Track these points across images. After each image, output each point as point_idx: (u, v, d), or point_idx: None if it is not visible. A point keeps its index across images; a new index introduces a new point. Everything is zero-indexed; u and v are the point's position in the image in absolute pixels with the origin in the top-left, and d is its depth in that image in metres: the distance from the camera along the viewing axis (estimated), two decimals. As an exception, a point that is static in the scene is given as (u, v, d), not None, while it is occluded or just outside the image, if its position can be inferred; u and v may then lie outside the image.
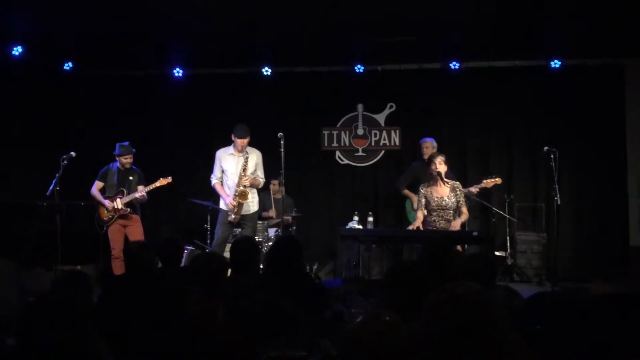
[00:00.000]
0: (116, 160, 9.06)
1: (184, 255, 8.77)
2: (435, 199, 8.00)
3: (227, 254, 7.95)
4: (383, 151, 11.40)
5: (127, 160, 8.99)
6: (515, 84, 10.80)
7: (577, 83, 10.71)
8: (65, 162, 8.51)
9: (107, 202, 8.97)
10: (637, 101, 10.57)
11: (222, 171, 8.81)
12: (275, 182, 10.54)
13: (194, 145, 11.30)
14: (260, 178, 8.84)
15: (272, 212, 10.43)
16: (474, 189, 8.79)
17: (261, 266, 6.78)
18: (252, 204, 8.83)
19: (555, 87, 10.68)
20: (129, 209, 8.97)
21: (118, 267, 8.69)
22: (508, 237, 10.43)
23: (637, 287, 8.61)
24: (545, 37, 9.63)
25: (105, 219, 8.99)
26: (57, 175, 8.38)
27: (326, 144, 11.47)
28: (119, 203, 8.92)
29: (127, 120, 11.18)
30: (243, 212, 8.69)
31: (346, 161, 11.47)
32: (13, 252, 5.31)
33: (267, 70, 11.18)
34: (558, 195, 8.39)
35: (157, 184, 8.95)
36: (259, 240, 9.41)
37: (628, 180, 10.57)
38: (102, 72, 11.41)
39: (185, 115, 11.43)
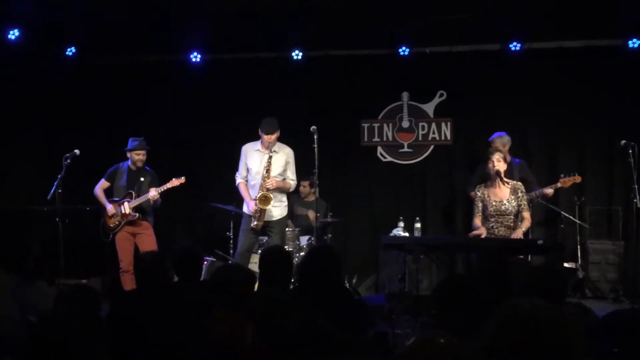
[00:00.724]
0: (127, 159, 9.12)
1: (204, 267, 8.83)
2: (493, 203, 7.97)
3: (252, 266, 8.06)
4: (432, 146, 11.36)
5: (139, 157, 9.04)
6: (586, 67, 10.68)
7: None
8: (69, 161, 8.60)
9: (109, 206, 9.02)
10: None
11: (247, 169, 8.79)
12: (306, 183, 10.56)
13: (213, 142, 11.36)
14: (291, 180, 8.80)
15: (310, 214, 10.38)
16: (548, 190, 8.73)
17: (292, 280, 6.80)
18: (280, 208, 8.79)
19: (634, 71, 10.55)
20: (138, 214, 9.01)
21: (127, 282, 8.76)
22: (579, 246, 10.33)
23: None
24: (622, 12, 9.52)
25: (111, 225, 9.05)
26: (59, 176, 8.49)
27: (366, 139, 11.47)
28: (126, 207, 8.95)
29: (138, 114, 11.26)
30: (268, 218, 8.65)
31: (389, 158, 11.45)
32: (12, 264, 5.37)
33: (297, 54, 11.19)
34: (638, 197, 8.30)
35: (169, 185, 8.99)
36: (289, 250, 9.42)
37: None
38: (108, 59, 11.52)
39: (203, 107, 11.48)
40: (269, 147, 8.62)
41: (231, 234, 9.96)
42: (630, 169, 8.32)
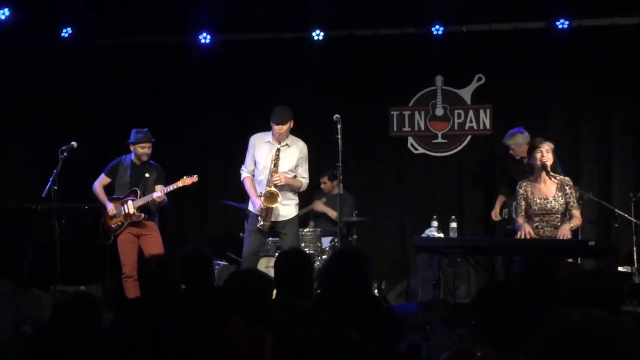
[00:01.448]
0: (130, 152, 9.14)
1: (216, 272, 8.86)
2: (538, 201, 7.93)
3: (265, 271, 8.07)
4: (469, 137, 11.35)
5: (144, 150, 9.04)
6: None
7: None
8: (65, 154, 8.62)
9: (110, 205, 9.02)
10: None
11: (255, 163, 8.70)
12: (325, 178, 10.55)
13: (225, 133, 11.37)
14: (302, 178, 8.68)
15: (330, 212, 10.39)
16: None
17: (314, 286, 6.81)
18: (290, 207, 8.71)
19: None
20: (143, 215, 9.02)
21: (130, 289, 8.79)
22: (635, 248, 10.27)
23: None
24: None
25: (113, 226, 9.07)
26: (54, 171, 8.51)
27: (395, 129, 11.46)
28: (130, 206, 8.96)
29: (141, 102, 11.30)
30: (277, 218, 8.58)
31: (421, 150, 11.44)
32: (4, 269, 5.42)
33: (318, 34, 11.19)
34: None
35: (180, 183, 8.97)
36: (310, 253, 9.41)
37: None
38: (108, 41, 11.56)
39: (214, 94, 11.50)
40: (280, 139, 8.47)
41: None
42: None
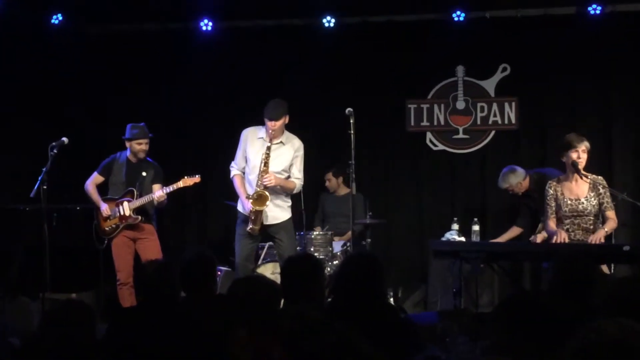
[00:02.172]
0: (126, 149, 9.15)
1: (218, 278, 8.86)
2: (568, 202, 7.92)
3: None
4: (493, 132, 11.34)
5: (140, 147, 9.05)
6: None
7: None
8: (55, 151, 8.63)
9: (104, 206, 9.02)
10: None
11: (246, 160, 8.67)
12: (329, 175, 10.57)
13: (229, 129, 11.34)
14: (296, 179, 8.65)
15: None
16: None
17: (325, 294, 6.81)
18: (284, 209, 8.72)
19: None
20: (140, 217, 9.04)
21: (125, 297, 8.82)
22: (673, 253, 10.27)
23: None
24: None
25: (106, 228, 9.08)
26: (43, 170, 8.53)
27: (413, 123, 11.47)
28: (126, 208, 8.97)
29: (138, 94, 11.30)
30: (272, 221, 8.59)
31: (441, 146, 11.44)
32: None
33: (329, 21, 11.17)
34: None
35: (181, 183, 8.98)
36: (320, 258, 9.40)
37: None
38: (102, 28, 11.56)
39: (216, 86, 11.52)
40: (273, 137, 8.42)
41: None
42: None
